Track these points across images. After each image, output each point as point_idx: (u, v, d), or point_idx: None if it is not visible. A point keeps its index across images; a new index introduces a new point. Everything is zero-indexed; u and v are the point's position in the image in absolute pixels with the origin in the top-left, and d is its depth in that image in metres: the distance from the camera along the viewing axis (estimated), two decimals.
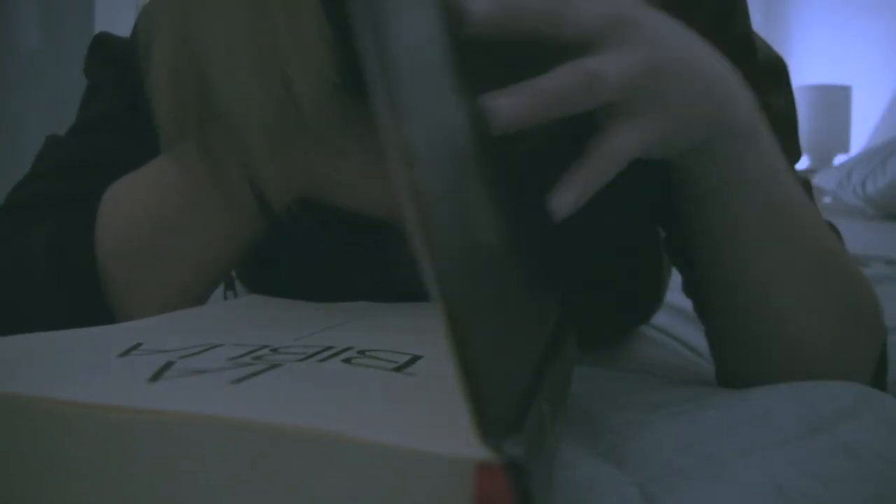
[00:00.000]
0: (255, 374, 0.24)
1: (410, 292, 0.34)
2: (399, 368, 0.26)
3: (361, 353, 0.28)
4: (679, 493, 0.30)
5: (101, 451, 0.21)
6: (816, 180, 2.13)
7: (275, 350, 0.28)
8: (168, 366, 0.25)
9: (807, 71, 2.90)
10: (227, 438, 0.20)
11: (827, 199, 2.22)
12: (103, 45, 0.59)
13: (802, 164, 0.60)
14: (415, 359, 0.27)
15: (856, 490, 0.30)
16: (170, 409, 0.21)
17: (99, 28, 2.26)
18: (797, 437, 0.34)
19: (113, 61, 0.58)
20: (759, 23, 0.58)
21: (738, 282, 0.46)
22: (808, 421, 0.35)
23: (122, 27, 0.64)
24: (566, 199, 0.36)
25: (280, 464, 0.20)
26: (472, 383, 0.19)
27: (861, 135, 2.88)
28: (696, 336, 0.69)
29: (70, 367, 0.26)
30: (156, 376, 0.24)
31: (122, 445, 0.21)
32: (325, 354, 0.27)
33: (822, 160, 2.74)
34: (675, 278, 0.61)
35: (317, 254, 0.54)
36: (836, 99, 2.79)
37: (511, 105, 0.34)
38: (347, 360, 0.26)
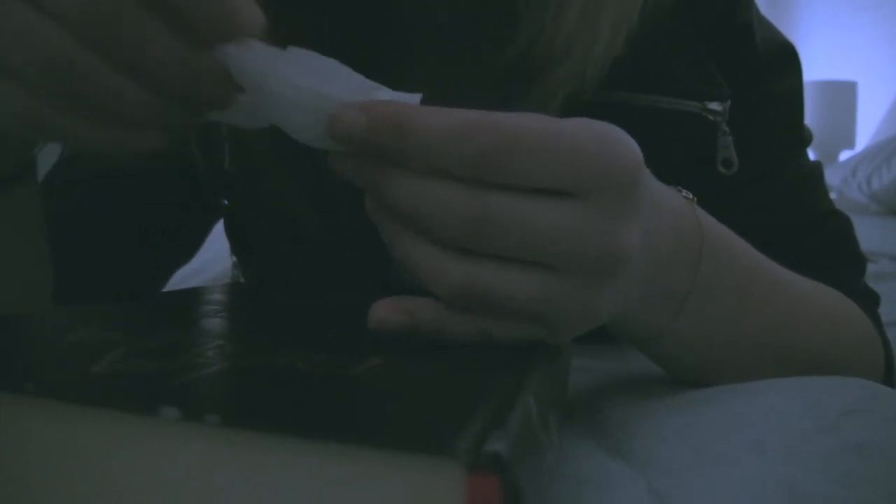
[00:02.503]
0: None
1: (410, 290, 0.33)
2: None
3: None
4: (688, 489, 0.30)
5: (39, 444, 0.21)
6: None
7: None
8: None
9: (812, 67, 2.89)
10: (178, 441, 0.20)
11: (832, 195, 2.21)
12: None
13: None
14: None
15: (866, 490, 0.30)
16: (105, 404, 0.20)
17: None
18: (805, 435, 0.34)
19: None
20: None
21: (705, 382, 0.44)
22: (815, 419, 0.35)
23: None
24: (383, 316, 0.31)
25: (254, 472, 0.19)
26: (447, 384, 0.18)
27: (866, 130, 2.87)
28: None
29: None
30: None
31: (57, 439, 0.20)
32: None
33: (828, 156, 2.73)
34: None
35: (320, 245, 0.53)
36: (842, 95, 2.78)
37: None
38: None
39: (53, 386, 0.21)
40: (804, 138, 0.58)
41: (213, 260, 1.02)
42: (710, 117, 0.52)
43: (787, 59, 0.57)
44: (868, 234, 1.47)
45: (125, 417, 0.20)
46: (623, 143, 0.31)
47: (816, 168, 0.58)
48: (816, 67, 2.88)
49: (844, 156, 2.69)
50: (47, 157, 0.55)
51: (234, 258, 0.68)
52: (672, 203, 0.38)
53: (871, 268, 0.61)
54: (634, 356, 0.47)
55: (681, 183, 0.40)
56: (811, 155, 0.60)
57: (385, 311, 0.31)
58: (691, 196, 0.40)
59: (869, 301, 0.55)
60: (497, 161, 0.28)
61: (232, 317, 0.36)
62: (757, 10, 0.57)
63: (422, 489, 0.18)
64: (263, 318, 0.33)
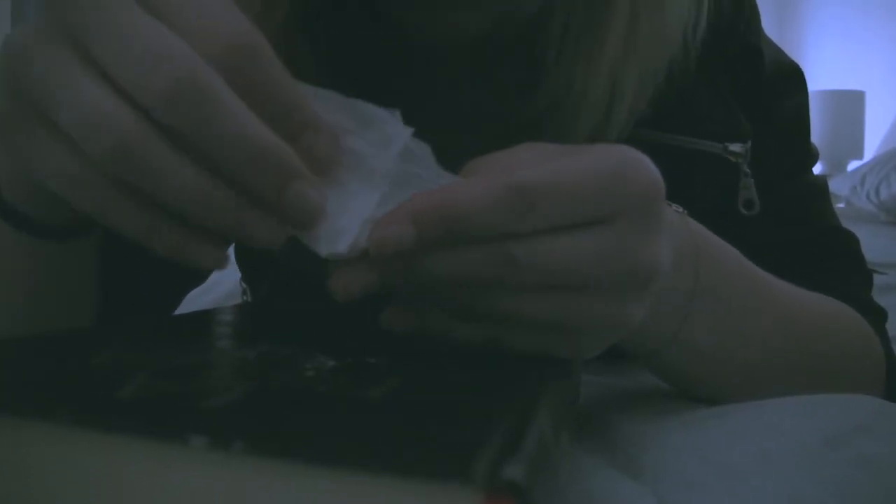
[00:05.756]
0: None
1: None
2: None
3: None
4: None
5: (63, 470, 0.21)
6: (830, 186, 2.12)
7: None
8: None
9: (820, 76, 2.89)
10: (200, 470, 0.20)
11: (840, 205, 2.21)
12: None
13: (815, 169, 0.61)
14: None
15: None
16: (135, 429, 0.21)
17: None
18: (813, 450, 0.34)
19: None
20: (772, 28, 0.58)
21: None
22: (824, 434, 0.35)
23: None
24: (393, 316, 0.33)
25: (272, 496, 0.20)
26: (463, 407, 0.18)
27: (875, 140, 2.86)
28: None
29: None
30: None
31: (83, 464, 0.21)
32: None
33: (836, 166, 2.72)
34: None
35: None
36: (850, 104, 2.77)
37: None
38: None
39: (83, 413, 0.22)
40: (811, 156, 0.59)
41: (225, 275, 1.03)
42: (732, 159, 0.52)
43: (793, 79, 0.58)
44: (876, 243, 1.47)
45: (151, 444, 0.21)
46: (642, 164, 0.32)
47: (822, 184, 0.59)
48: (824, 77, 2.88)
49: (853, 165, 2.68)
50: None
51: (244, 285, 0.69)
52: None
53: (879, 279, 0.61)
54: (644, 371, 0.47)
55: (702, 222, 0.41)
56: (819, 164, 0.61)
57: (393, 315, 0.33)
58: (681, 210, 0.41)
59: (876, 316, 0.55)
60: (532, 214, 0.29)
61: (249, 336, 0.36)
62: (763, 32, 0.58)
63: None
64: (280, 338, 0.34)
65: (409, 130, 0.31)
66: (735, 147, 0.52)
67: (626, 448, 0.37)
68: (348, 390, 0.25)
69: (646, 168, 0.32)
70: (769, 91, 0.56)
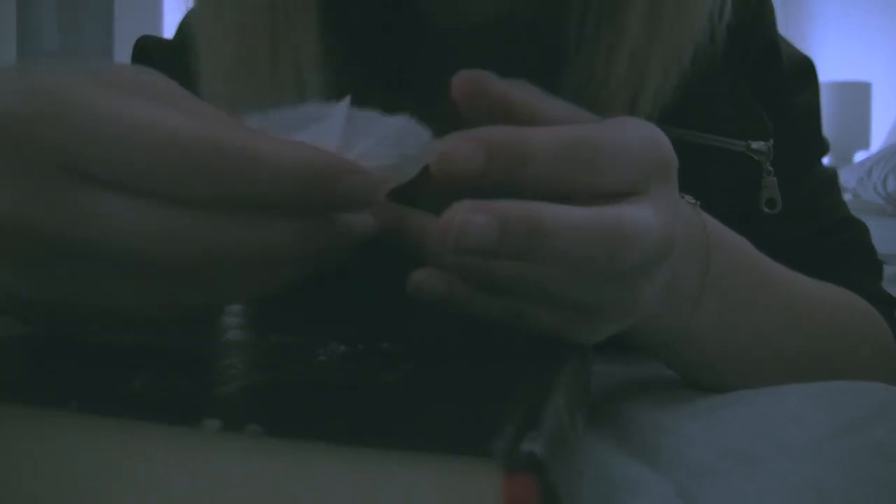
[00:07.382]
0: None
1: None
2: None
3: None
4: (717, 492, 0.31)
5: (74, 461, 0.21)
6: None
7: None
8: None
9: (827, 68, 2.88)
10: (214, 454, 0.20)
11: (847, 197, 2.20)
12: (144, 52, 0.59)
13: (823, 161, 0.61)
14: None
15: (892, 492, 0.30)
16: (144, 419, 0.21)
17: (118, 28, 2.27)
18: (829, 437, 0.34)
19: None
20: (779, 20, 0.58)
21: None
22: (839, 422, 0.35)
23: (141, 27, 0.64)
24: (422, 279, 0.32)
25: (292, 480, 0.20)
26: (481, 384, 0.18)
27: (881, 131, 2.85)
28: None
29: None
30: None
31: (94, 454, 0.21)
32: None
33: (843, 157, 2.72)
34: None
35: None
36: (857, 95, 2.77)
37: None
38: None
39: (96, 402, 0.21)
40: (822, 149, 0.59)
41: None
42: (755, 157, 0.52)
43: (807, 73, 0.58)
44: (884, 235, 1.46)
45: (165, 430, 0.20)
46: (661, 135, 0.32)
47: (832, 175, 0.59)
48: (831, 68, 2.88)
49: (859, 157, 2.68)
50: None
51: None
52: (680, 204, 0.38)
53: (887, 270, 0.61)
54: (654, 360, 0.47)
55: (720, 219, 0.41)
56: (826, 158, 0.61)
57: (423, 276, 0.32)
58: (694, 201, 0.41)
59: (887, 306, 0.55)
60: (592, 168, 0.29)
61: (258, 324, 0.36)
62: (776, 29, 0.57)
63: (459, 491, 0.18)
64: (291, 324, 0.34)
65: (343, 103, 0.30)
66: (758, 145, 0.52)
67: (640, 435, 0.37)
68: (363, 374, 0.25)
69: (665, 139, 0.32)
70: (785, 86, 0.55)
